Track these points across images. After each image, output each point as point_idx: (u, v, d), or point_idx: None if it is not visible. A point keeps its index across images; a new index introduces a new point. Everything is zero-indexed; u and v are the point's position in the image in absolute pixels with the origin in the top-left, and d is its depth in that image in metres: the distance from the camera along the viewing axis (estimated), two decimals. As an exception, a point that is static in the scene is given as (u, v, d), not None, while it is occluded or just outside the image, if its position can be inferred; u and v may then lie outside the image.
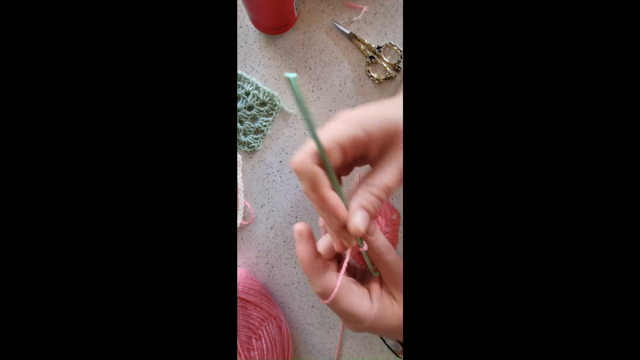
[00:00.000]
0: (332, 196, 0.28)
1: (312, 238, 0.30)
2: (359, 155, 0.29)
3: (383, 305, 0.31)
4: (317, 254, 0.30)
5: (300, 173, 0.27)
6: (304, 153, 0.27)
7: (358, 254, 0.31)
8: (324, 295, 0.30)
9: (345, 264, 0.30)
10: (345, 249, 0.30)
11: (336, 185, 0.28)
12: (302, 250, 0.30)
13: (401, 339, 0.32)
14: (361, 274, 0.36)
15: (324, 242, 0.32)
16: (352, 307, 0.30)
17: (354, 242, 0.29)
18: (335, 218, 0.28)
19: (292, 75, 0.23)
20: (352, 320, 0.30)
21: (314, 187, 0.27)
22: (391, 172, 0.29)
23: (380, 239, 0.31)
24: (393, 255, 0.32)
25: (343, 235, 0.29)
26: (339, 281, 0.29)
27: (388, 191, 0.29)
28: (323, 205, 0.28)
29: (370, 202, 0.29)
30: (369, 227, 0.30)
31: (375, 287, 0.32)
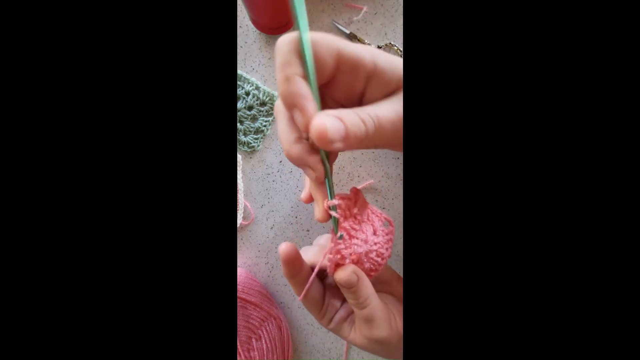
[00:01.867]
0: (300, 83, 0.23)
1: (293, 259, 0.29)
2: (354, 90, 0.25)
3: (340, 329, 0.32)
4: (298, 272, 0.30)
5: (276, 50, 0.23)
6: (289, 34, 0.23)
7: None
8: (298, 294, 0.31)
9: (317, 269, 0.30)
10: (320, 179, 0.26)
11: (310, 78, 0.23)
12: (283, 268, 0.30)
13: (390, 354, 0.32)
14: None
15: (309, 254, 0.32)
16: (314, 316, 0.32)
17: (322, 172, 0.25)
18: (302, 110, 0.23)
19: None
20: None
21: (282, 66, 0.23)
22: (388, 106, 0.24)
23: (360, 292, 0.28)
24: (371, 308, 0.29)
25: (310, 156, 0.25)
26: (302, 295, 0.31)
27: (377, 122, 0.24)
28: (287, 91, 0.23)
29: (350, 116, 0.23)
30: (348, 284, 0.27)
31: (344, 310, 0.32)
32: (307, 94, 0.23)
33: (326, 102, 0.27)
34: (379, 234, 0.30)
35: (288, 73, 0.23)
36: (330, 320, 0.32)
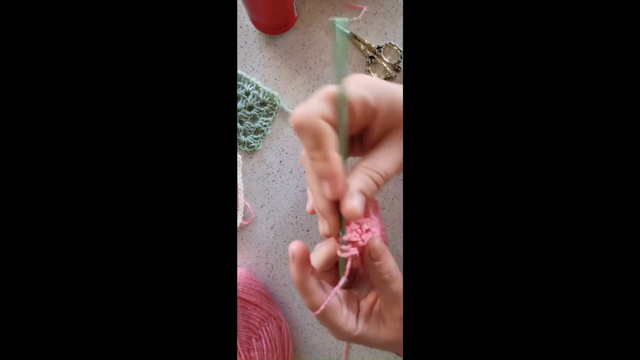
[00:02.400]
0: (337, 161, 0.25)
1: (305, 259, 0.28)
2: (362, 127, 0.28)
3: (368, 327, 0.30)
4: (309, 275, 0.28)
5: (303, 128, 0.24)
6: (309, 107, 0.24)
7: (358, 259, 0.29)
8: (312, 309, 0.29)
9: (338, 287, 0.28)
10: (330, 235, 0.28)
11: (343, 148, 0.25)
12: (294, 270, 0.28)
13: (389, 353, 0.31)
14: (362, 279, 0.34)
15: (319, 256, 0.30)
16: (336, 326, 0.29)
17: (337, 230, 0.27)
18: (332, 187, 0.25)
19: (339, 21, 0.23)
20: (335, 334, 0.30)
21: (318, 144, 0.24)
22: (391, 159, 0.28)
23: (387, 265, 0.28)
24: (397, 284, 0.29)
25: (331, 215, 0.27)
26: (325, 302, 0.28)
27: (386, 178, 0.27)
28: (324, 168, 0.25)
29: (369, 186, 0.27)
30: (377, 250, 0.27)
31: (366, 306, 0.31)
32: (341, 172, 0.25)
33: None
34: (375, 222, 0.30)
35: (327, 153, 0.25)
36: (356, 324, 0.30)
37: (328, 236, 0.28)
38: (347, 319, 0.30)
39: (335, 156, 0.25)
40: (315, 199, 0.28)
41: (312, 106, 0.25)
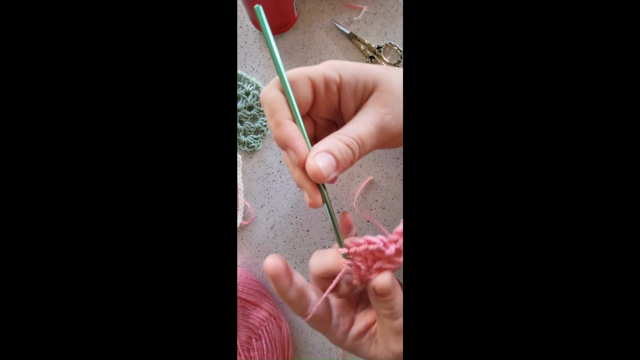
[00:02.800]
0: (290, 126, 0.26)
1: (280, 274, 0.27)
2: (333, 104, 0.28)
3: (358, 344, 0.29)
4: (287, 287, 0.27)
5: (262, 102, 0.26)
6: (271, 83, 0.26)
7: (358, 277, 0.28)
8: (301, 316, 0.28)
9: (327, 292, 0.28)
10: (316, 204, 0.27)
11: (297, 118, 0.26)
12: (272, 285, 0.27)
13: None
14: (360, 294, 0.32)
15: (320, 264, 0.29)
16: (324, 334, 0.29)
17: (319, 198, 0.26)
18: (294, 152, 0.25)
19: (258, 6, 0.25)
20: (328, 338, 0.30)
21: (272, 113, 0.25)
22: (364, 122, 0.27)
23: (394, 301, 0.26)
24: (400, 322, 0.27)
25: (306, 183, 0.26)
26: (311, 313, 0.27)
27: (360, 141, 0.26)
28: (279, 134, 0.25)
29: (337, 146, 0.26)
30: (385, 287, 0.26)
31: (361, 324, 0.29)
32: (297, 135, 0.26)
33: (314, 121, 0.30)
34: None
35: (277, 118, 0.26)
36: (345, 336, 0.29)
37: (312, 205, 0.27)
38: (335, 328, 0.29)
39: (287, 122, 0.26)
40: (292, 172, 0.27)
41: (273, 81, 0.26)
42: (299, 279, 0.28)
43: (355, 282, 0.28)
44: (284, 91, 0.26)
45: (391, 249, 0.26)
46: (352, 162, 0.27)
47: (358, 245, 0.26)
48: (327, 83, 0.27)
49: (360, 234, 0.30)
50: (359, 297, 0.31)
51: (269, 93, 0.26)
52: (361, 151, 0.27)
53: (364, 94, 0.28)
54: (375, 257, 0.26)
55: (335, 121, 0.30)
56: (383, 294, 0.26)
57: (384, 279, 0.26)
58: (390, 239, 0.26)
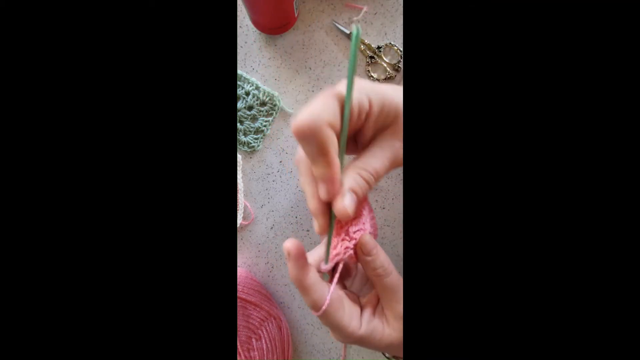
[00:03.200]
0: (338, 164, 0.26)
1: (301, 256, 0.28)
2: (357, 128, 0.28)
3: (372, 327, 0.30)
4: (307, 271, 0.28)
5: (308, 135, 0.24)
6: (313, 113, 0.24)
7: (353, 257, 0.30)
8: (314, 308, 0.29)
9: (335, 279, 0.29)
10: (325, 233, 0.29)
11: (342, 152, 0.27)
12: (291, 268, 0.28)
13: (391, 355, 0.31)
14: (361, 280, 0.34)
15: (316, 257, 0.31)
16: (340, 325, 0.29)
17: (326, 227, 0.28)
18: (329, 190, 0.26)
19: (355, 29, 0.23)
20: (338, 335, 0.30)
21: (323, 151, 0.24)
22: (383, 158, 0.28)
23: (379, 259, 0.29)
24: (393, 277, 0.30)
25: (321, 216, 0.28)
26: (327, 298, 0.28)
27: (377, 177, 0.28)
28: (325, 174, 0.26)
29: (360, 185, 0.28)
30: (367, 245, 0.29)
31: (369, 306, 0.31)
32: (339, 177, 0.26)
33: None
34: (367, 218, 0.30)
35: (330, 157, 0.25)
36: (360, 322, 0.30)
37: (321, 234, 0.29)
38: (350, 316, 0.29)
39: (337, 162, 0.26)
40: (308, 200, 0.29)
41: (316, 111, 0.24)
42: (312, 268, 0.29)
43: (351, 262, 0.30)
44: (335, 124, 0.25)
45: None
46: (366, 194, 0.29)
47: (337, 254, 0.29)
48: (359, 112, 0.27)
49: None
50: (359, 290, 0.33)
51: (320, 127, 0.24)
52: (375, 183, 0.29)
53: (384, 123, 0.28)
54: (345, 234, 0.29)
55: (348, 136, 0.30)
56: (368, 253, 0.29)
57: (364, 238, 0.29)
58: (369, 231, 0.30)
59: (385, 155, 0.28)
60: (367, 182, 0.28)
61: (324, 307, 0.28)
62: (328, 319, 0.29)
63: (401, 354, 0.31)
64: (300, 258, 0.28)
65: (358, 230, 0.29)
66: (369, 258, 0.29)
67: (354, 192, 0.27)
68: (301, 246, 0.28)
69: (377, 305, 0.31)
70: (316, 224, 0.29)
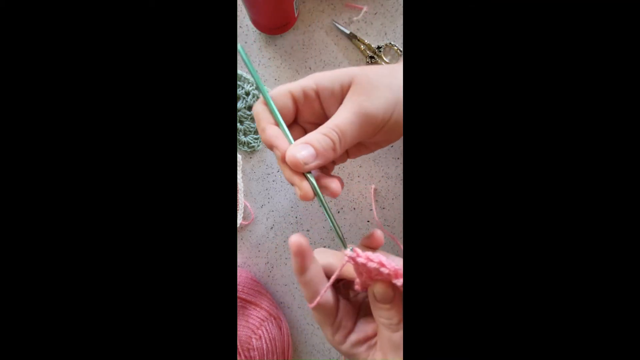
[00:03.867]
0: (272, 128, 0.29)
1: (305, 250, 0.27)
2: (316, 109, 0.30)
3: (356, 351, 0.29)
4: (308, 265, 0.28)
5: (254, 114, 0.30)
6: (257, 101, 0.29)
7: (357, 269, 0.28)
8: (309, 301, 0.29)
9: (332, 278, 0.28)
10: (307, 196, 0.28)
11: (279, 122, 0.29)
12: (293, 261, 0.28)
13: None
14: (361, 300, 0.32)
15: (321, 262, 0.30)
16: (324, 329, 0.29)
17: (308, 189, 0.28)
18: (278, 150, 0.28)
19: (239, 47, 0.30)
20: (325, 336, 0.30)
21: (257, 122, 0.29)
22: (342, 112, 0.28)
23: (397, 314, 0.27)
24: (398, 336, 0.27)
25: (294, 177, 0.28)
26: (320, 294, 0.28)
27: (338, 130, 0.28)
28: (264, 138, 0.29)
29: (315, 137, 0.28)
30: (386, 292, 0.26)
31: (361, 334, 0.29)
32: (278, 134, 0.29)
33: (303, 127, 0.32)
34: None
35: (262, 125, 0.29)
36: (344, 339, 0.29)
37: (303, 198, 0.28)
38: (338, 327, 0.29)
39: (269, 126, 0.29)
40: (283, 173, 0.30)
41: (259, 100, 0.30)
42: (317, 264, 0.29)
43: (357, 287, 0.28)
44: (267, 104, 0.29)
45: (388, 270, 0.26)
46: (334, 150, 0.28)
47: (361, 257, 0.26)
48: (305, 92, 0.29)
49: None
50: (360, 305, 0.32)
51: (255, 107, 0.30)
52: (342, 139, 0.28)
53: (342, 92, 0.29)
54: (375, 274, 0.27)
55: (315, 113, 0.31)
56: (383, 301, 0.27)
57: (383, 286, 0.26)
58: (394, 270, 0.26)
59: (345, 109, 0.28)
60: (327, 135, 0.28)
61: (314, 304, 0.28)
62: (318, 317, 0.29)
63: None
64: (304, 252, 0.27)
65: (387, 268, 0.26)
66: (384, 306, 0.27)
67: (308, 142, 0.28)
68: (306, 241, 0.27)
69: (370, 340, 0.29)
70: (295, 189, 0.29)
